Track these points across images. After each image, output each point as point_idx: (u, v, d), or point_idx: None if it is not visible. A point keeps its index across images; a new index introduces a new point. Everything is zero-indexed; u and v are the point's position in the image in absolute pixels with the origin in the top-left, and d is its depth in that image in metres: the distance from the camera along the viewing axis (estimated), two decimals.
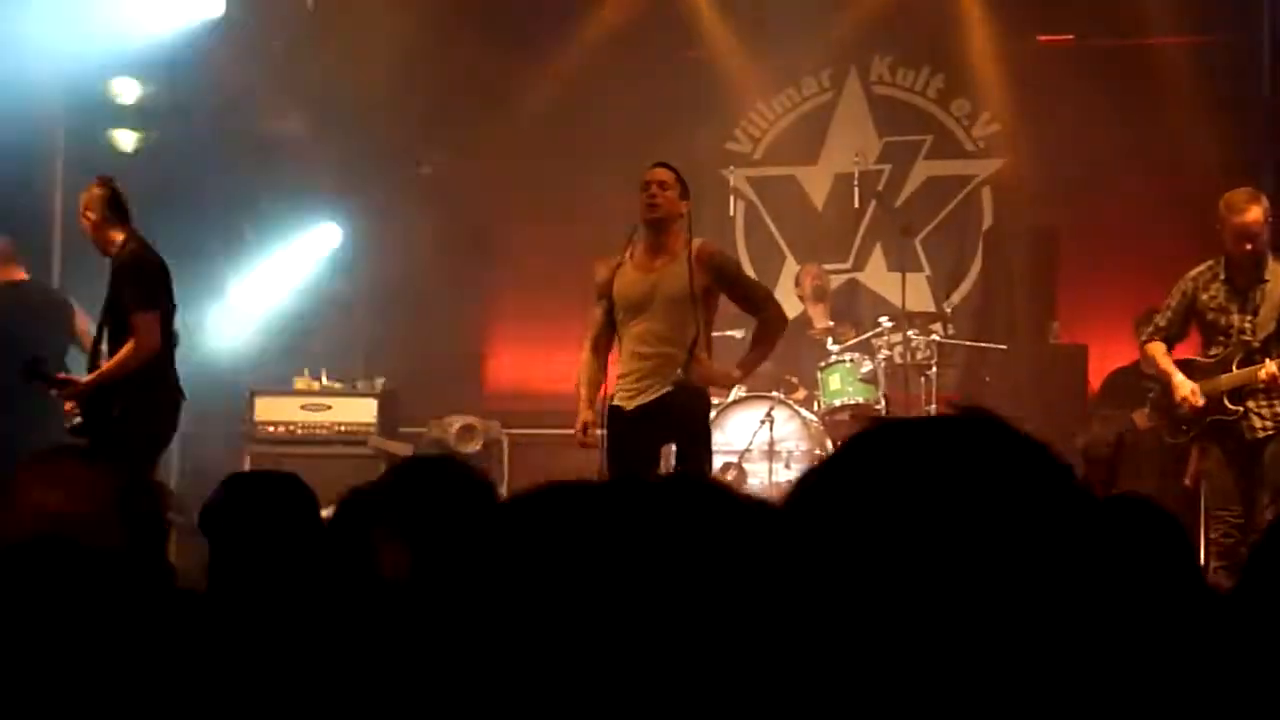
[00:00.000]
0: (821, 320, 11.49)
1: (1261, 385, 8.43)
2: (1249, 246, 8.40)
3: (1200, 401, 8.52)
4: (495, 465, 11.24)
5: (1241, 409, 8.56)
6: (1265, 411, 8.50)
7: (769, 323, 8.01)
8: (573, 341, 8.52)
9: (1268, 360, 8.40)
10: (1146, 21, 11.36)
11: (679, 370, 7.69)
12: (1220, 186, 9.39)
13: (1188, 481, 9.19)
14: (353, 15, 11.71)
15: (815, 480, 1.37)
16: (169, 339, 7.98)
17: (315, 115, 11.90)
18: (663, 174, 7.88)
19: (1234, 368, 8.56)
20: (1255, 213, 8.39)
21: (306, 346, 11.57)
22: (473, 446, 11.20)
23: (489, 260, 12.20)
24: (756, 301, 8.05)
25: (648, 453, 7.89)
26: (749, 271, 12.20)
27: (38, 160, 10.28)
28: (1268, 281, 8.47)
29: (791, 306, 12.03)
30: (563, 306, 10.20)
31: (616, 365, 8.01)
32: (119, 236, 7.89)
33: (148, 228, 8.05)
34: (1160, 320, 8.80)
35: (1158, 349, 8.81)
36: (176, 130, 10.74)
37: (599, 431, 7.85)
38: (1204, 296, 8.71)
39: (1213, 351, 8.74)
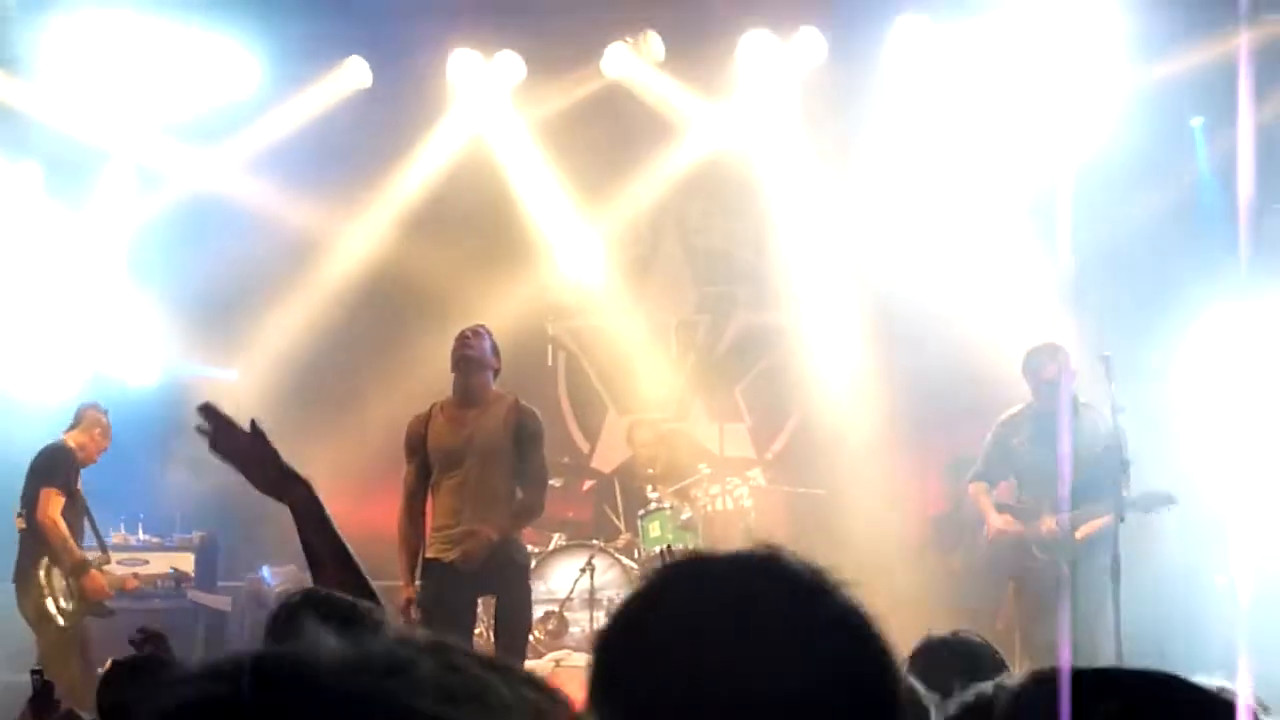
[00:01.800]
0: (643, 469, 11.52)
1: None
2: (1051, 396, 8.66)
3: (1017, 528, 8.69)
4: None
5: (1048, 558, 8.70)
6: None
7: (528, 506, 8.00)
8: (386, 486, 8.49)
9: (1044, 517, 8.63)
10: None
11: (453, 552, 7.72)
12: (1026, 334, 9.61)
13: (999, 625, 9.19)
14: None
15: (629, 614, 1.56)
16: None
17: None
18: (476, 326, 8.04)
19: (1044, 514, 8.72)
20: (1052, 369, 8.72)
21: (122, 501, 11.24)
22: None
23: (304, 409, 12.04)
24: (531, 477, 7.97)
25: (466, 605, 7.93)
26: (573, 423, 12.41)
27: None
28: (1079, 430, 8.66)
29: (619, 454, 12.10)
30: (375, 454, 10.18)
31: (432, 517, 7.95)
32: None
33: None
34: (980, 464, 9.02)
35: (978, 488, 9.05)
36: None
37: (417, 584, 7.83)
38: (1014, 441, 8.91)
39: (1023, 497, 8.90)
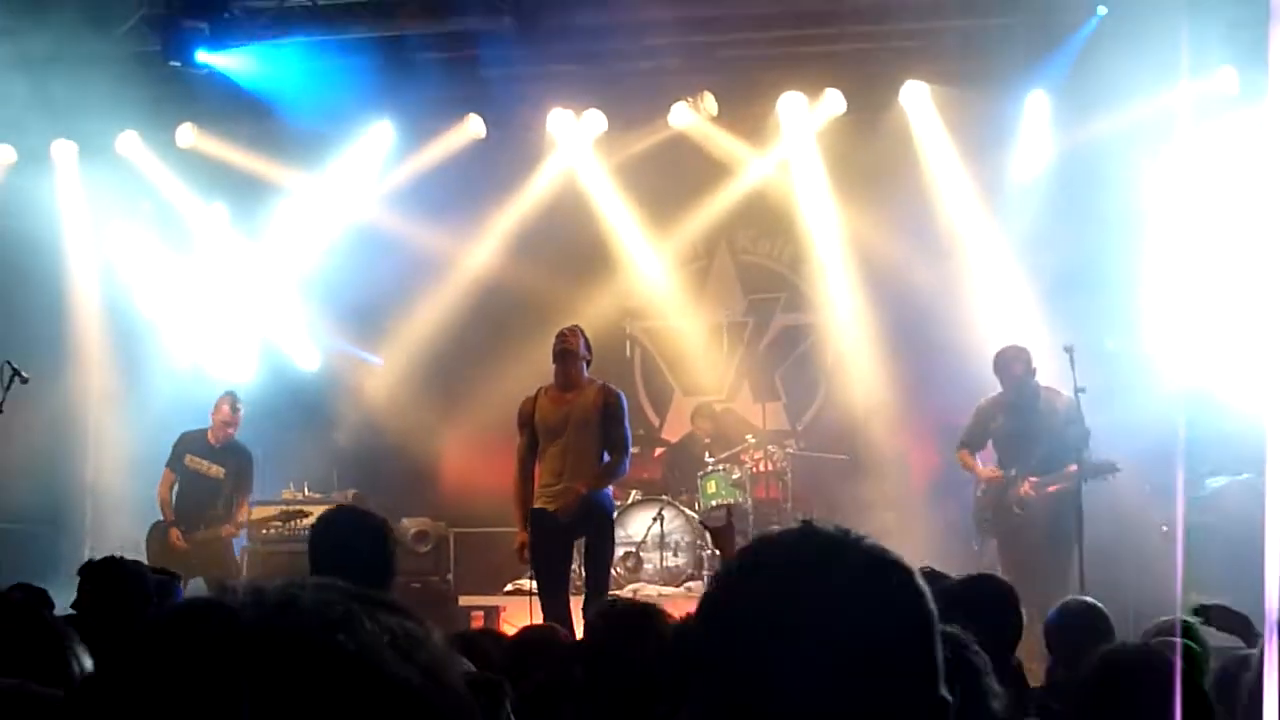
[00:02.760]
0: (702, 439, 11.82)
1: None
2: (1018, 390, 9.05)
3: (999, 474, 9.06)
4: (444, 558, 11.48)
5: (1024, 514, 9.11)
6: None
7: (612, 468, 8.18)
8: (506, 451, 8.68)
9: (1020, 481, 9.03)
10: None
11: (555, 504, 7.96)
12: (1004, 326, 9.93)
13: (984, 560, 9.22)
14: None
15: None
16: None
17: None
18: (573, 326, 8.39)
19: (1019, 478, 9.15)
20: (1018, 368, 9.01)
21: (292, 464, 11.68)
22: (425, 547, 11.38)
23: (433, 391, 12.37)
24: (615, 443, 8.16)
25: (564, 546, 8.23)
26: (647, 402, 12.68)
27: None
28: (1041, 411, 9.08)
29: (684, 427, 12.32)
30: (494, 428, 10.39)
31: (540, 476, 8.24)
32: None
33: None
34: (964, 434, 9.40)
35: (964, 453, 9.43)
36: None
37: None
38: (991, 424, 9.35)
39: (1002, 465, 9.35)
